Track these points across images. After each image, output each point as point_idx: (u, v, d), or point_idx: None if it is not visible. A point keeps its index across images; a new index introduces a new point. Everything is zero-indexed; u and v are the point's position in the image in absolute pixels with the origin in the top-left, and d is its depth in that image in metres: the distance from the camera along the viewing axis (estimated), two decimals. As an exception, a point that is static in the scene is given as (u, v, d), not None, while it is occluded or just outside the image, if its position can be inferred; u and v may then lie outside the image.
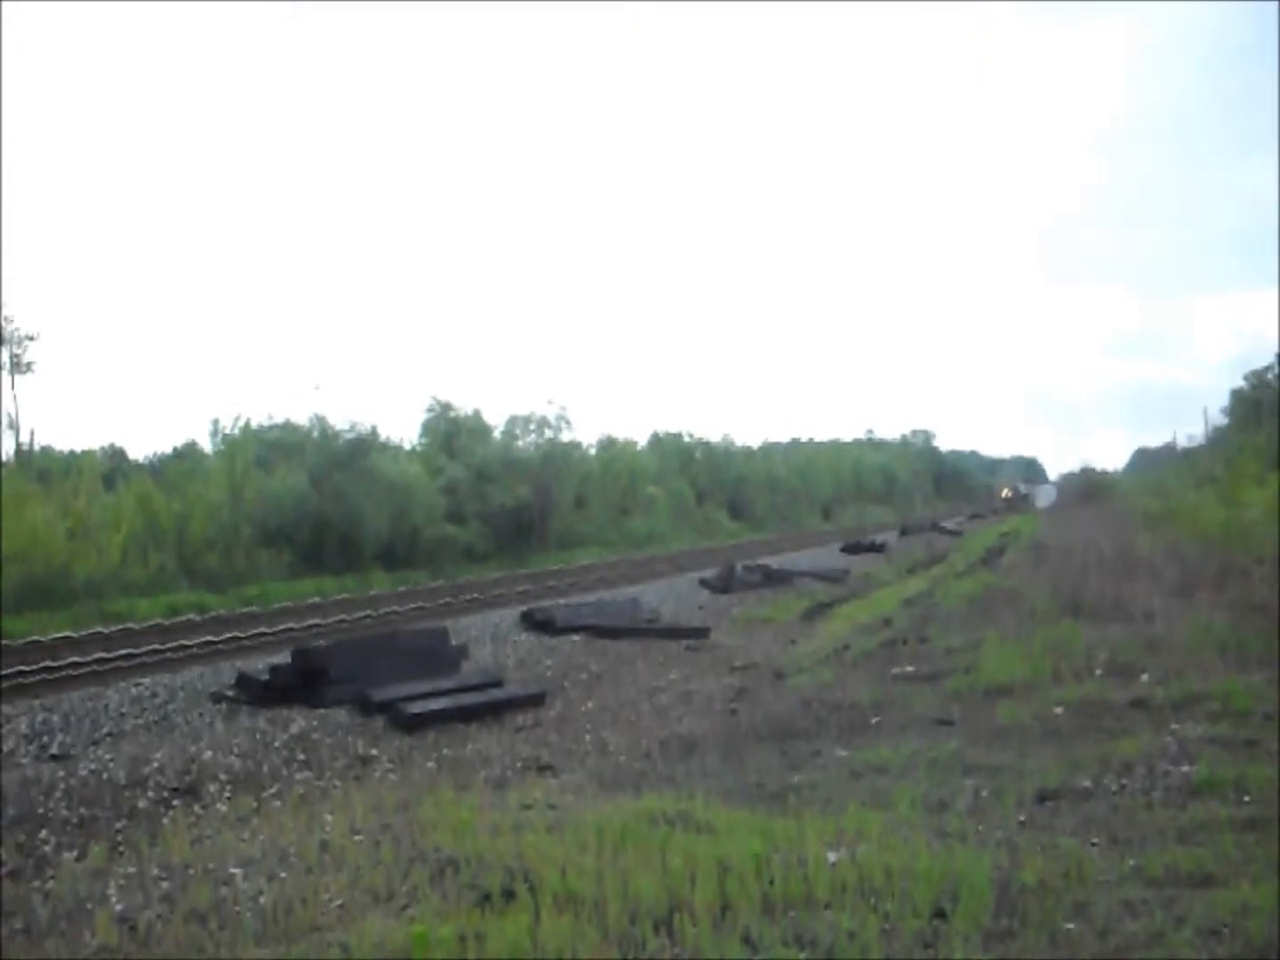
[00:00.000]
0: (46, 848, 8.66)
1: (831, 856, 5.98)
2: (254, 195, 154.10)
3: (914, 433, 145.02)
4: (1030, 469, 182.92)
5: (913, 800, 7.43)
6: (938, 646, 14.84)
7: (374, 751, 11.65)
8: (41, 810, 9.48)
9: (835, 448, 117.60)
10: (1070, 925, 4.96)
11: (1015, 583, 21.91)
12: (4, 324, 43.39)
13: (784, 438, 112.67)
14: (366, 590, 35.85)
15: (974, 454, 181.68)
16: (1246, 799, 7.00)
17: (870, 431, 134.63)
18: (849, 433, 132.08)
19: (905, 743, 9.43)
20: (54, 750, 12.05)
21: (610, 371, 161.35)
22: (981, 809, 7.26)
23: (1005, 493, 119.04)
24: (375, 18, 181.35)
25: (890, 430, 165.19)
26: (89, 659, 19.55)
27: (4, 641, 22.95)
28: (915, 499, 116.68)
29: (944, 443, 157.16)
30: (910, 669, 13.39)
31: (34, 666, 18.66)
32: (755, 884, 5.57)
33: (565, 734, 12.01)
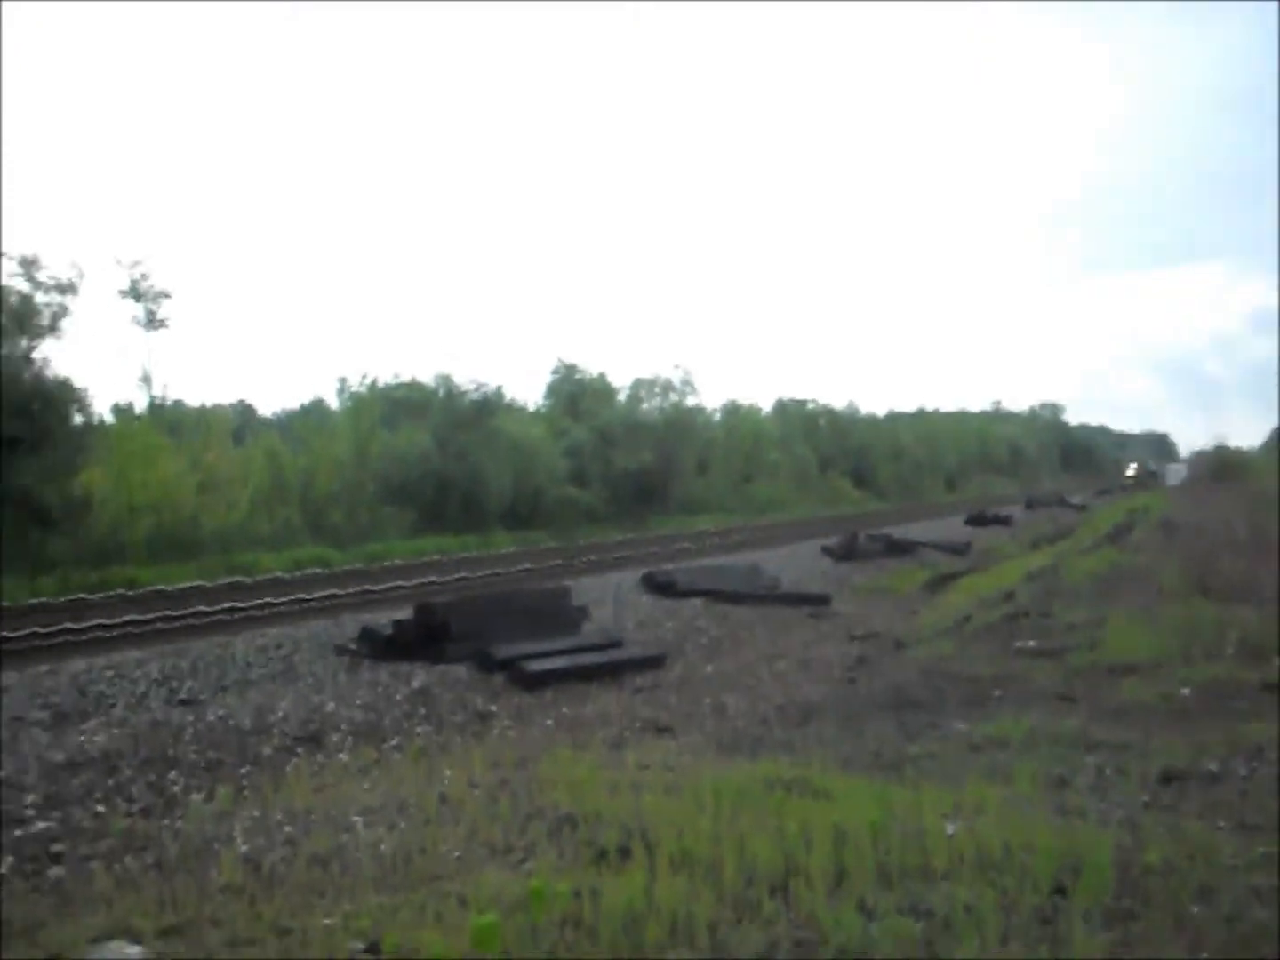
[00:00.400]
0: (176, 788, 8.87)
1: (949, 828, 5.93)
2: (385, 158, 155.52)
3: (1042, 405, 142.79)
4: (1161, 446, 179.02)
5: (1033, 776, 7.33)
6: (1061, 622, 14.61)
7: (493, 708, 11.76)
8: (171, 752, 9.70)
9: (961, 418, 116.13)
10: (1195, 909, 4.86)
11: (1143, 560, 21.49)
12: (139, 280, 44.15)
13: (910, 407, 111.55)
14: (488, 549, 36.16)
15: (1103, 429, 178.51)
16: (1382, 787, 6.80)
17: (997, 403, 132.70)
18: (976, 403, 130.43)
19: (1026, 717, 9.30)
20: (183, 695, 12.34)
21: (736, 336, 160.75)
22: (1103, 787, 7.13)
23: (1132, 469, 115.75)
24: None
25: (1018, 402, 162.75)
26: (216, 608, 19.97)
27: (135, 590, 23.57)
28: (1041, 473, 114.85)
29: (1073, 416, 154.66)
30: (1032, 643, 13.21)
31: (162, 614, 19.11)
32: (871, 852, 5.53)
33: (684, 696, 12.03)
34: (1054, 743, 8.41)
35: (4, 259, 30.06)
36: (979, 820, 6.09)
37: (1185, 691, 10.05)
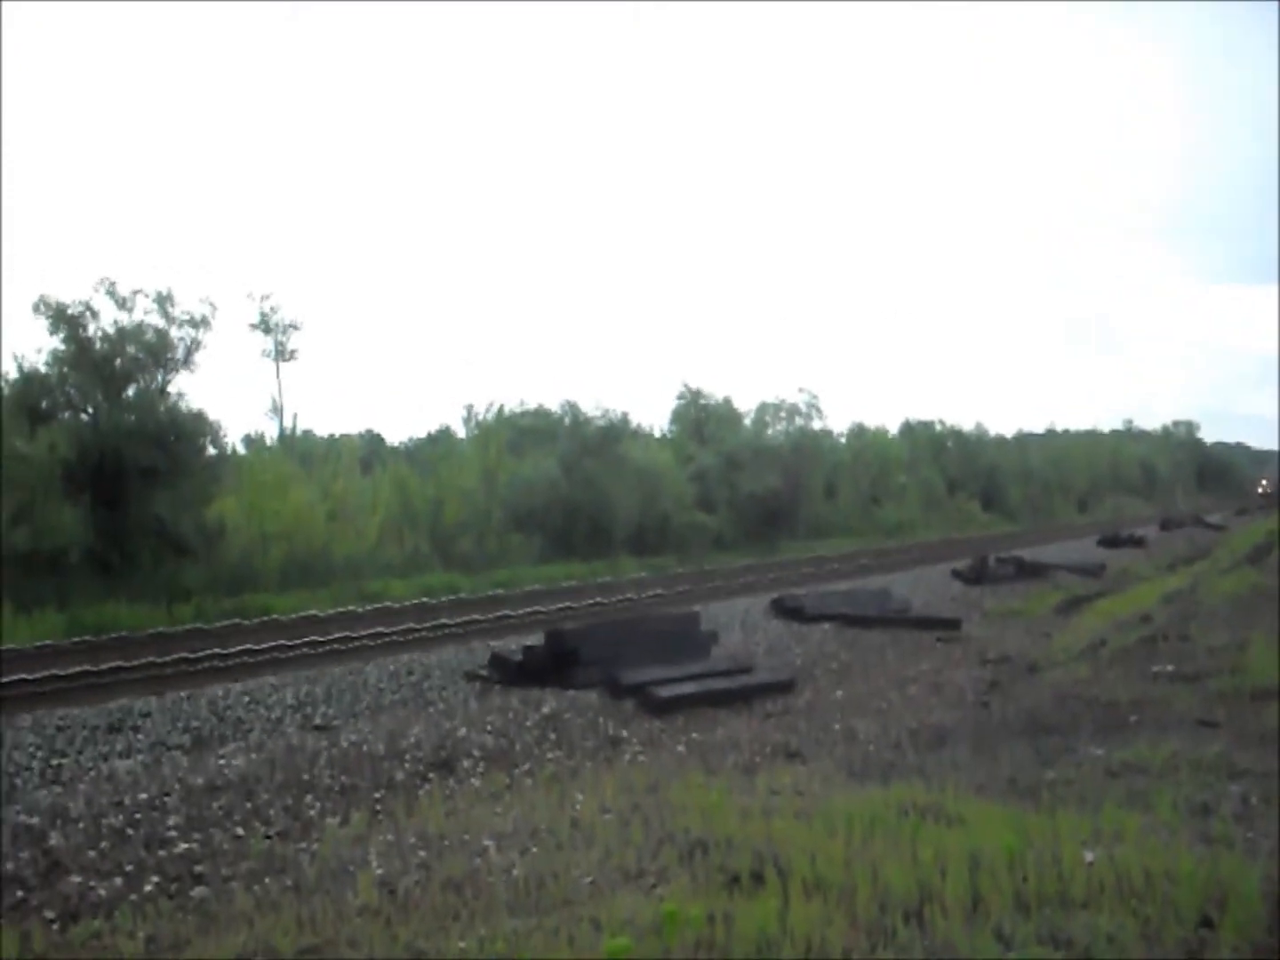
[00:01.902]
0: (312, 812, 9.01)
1: (1088, 856, 5.81)
2: (516, 190, 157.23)
3: (1176, 423, 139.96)
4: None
5: (1174, 803, 7.16)
6: (1200, 645, 14.28)
7: (624, 733, 11.79)
8: (306, 777, 9.86)
9: (1092, 438, 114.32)
10: (1348, 943, 4.71)
11: (1285, 581, 20.95)
12: (269, 313, 45.14)
13: (1039, 427, 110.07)
14: (616, 575, 36.27)
15: (1241, 446, 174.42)
16: None
17: (1129, 422, 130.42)
18: (1107, 423, 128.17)
19: (1165, 743, 9.10)
20: (318, 721, 12.53)
21: (862, 358, 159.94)
22: (1250, 816, 6.94)
23: (1264, 485, 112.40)
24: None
25: (1151, 420, 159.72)
26: (349, 635, 20.26)
27: (274, 616, 24.01)
28: (1176, 492, 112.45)
29: (1208, 434, 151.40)
30: (1170, 667, 12.92)
31: (299, 641, 19.43)
32: (1008, 879, 5.45)
33: (814, 721, 11.96)
34: (1195, 769, 8.22)
35: (139, 296, 30.87)
36: (1118, 848, 5.96)
37: (1332, 716, 9.76)
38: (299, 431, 47.60)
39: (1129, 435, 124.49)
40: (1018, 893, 5.33)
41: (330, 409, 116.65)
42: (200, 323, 31.69)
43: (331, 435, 51.96)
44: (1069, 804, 7.29)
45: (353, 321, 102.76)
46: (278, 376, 46.20)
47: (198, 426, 31.66)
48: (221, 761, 10.37)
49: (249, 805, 9.07)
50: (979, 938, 4.78)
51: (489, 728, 11.75)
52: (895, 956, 4.67)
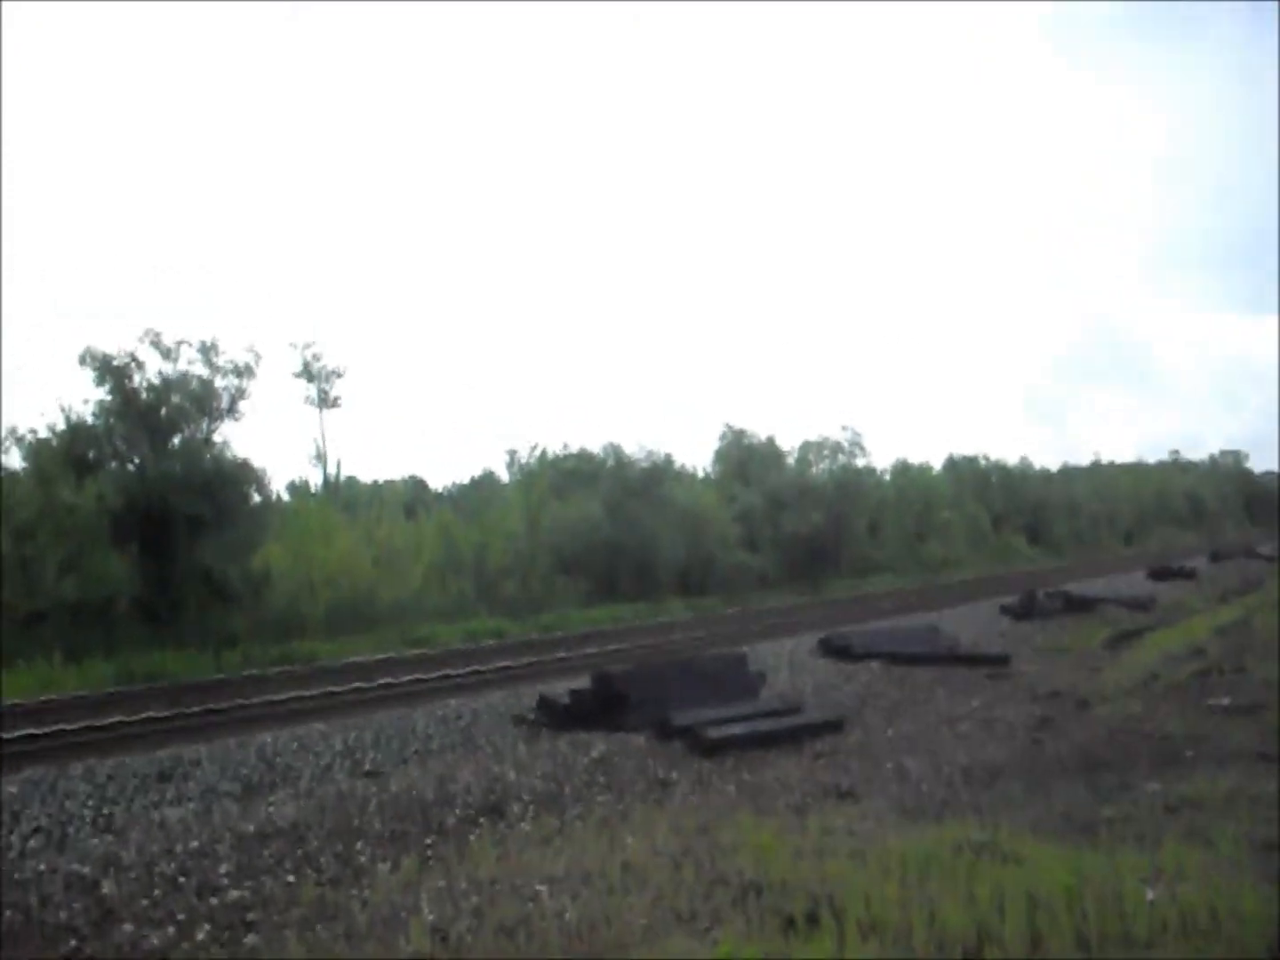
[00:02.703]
0: (362, 858, 8.98)
1: (1149, 894, 5.73)
2: (551, 231, 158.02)
3: (1223, 453, 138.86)
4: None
5: (1235, 839, 7.06)
6: (1255, 678, 14.13)
7: (673, 775, 11.72)
8: (357, 823, 9.84)
9: (1138, 470, 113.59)
10: None
11: (1340, 612, 20.71)
12: (312, 361, 45.46)
13: (1084, 460, 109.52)
14: (662, 617, 36.21)
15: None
16: None
17: (1176, 453, 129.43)
18: (1153, 454, 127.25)
19: (1223, 778, 9.00)
20: (367, 767, 12.52)
21: (905, 395, 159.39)
22: (1313, 851, 6.84)
23: None
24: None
25: (1198, 451, 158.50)
26: (395, 681, 20.28)
27: (320, 662, 24.08)
28: (1225, 523, 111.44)
29: (1258, 463, 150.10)
30: (1226, 701, 12.78)
31: (346, 687, 19.46)
32: (1067, 918, 5.38)
33: (865, 761, 11.86)
34: (1255, 804, 8.11)
35: (184, 346, 31.24)
36: (1180, 886, 5.88)
37: (1395, 749, 9.63)
38: (343, 478, 47.89)
39: (1175, 466, 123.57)
40: (1078, 932, 5.27)
41: (373, 455, 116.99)
42: (244, 371, 31.98)
43: (375, 481, 52.37)
44: (1127, 841, 7.21)
45: (395, 367, 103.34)
46: (321, 424, 46.43)
47: (243, 475, 31.92)
48: (271, 809, 10.37)
49: (300, 852, 9.06)
50: (1041, 978, 4.71)
51: (538, 772, 11.71)
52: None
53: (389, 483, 53.36)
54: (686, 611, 38.43)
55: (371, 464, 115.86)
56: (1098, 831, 7.57)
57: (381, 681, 20.15)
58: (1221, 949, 4.96)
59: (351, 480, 50.10)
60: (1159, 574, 41.35)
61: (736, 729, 13.12)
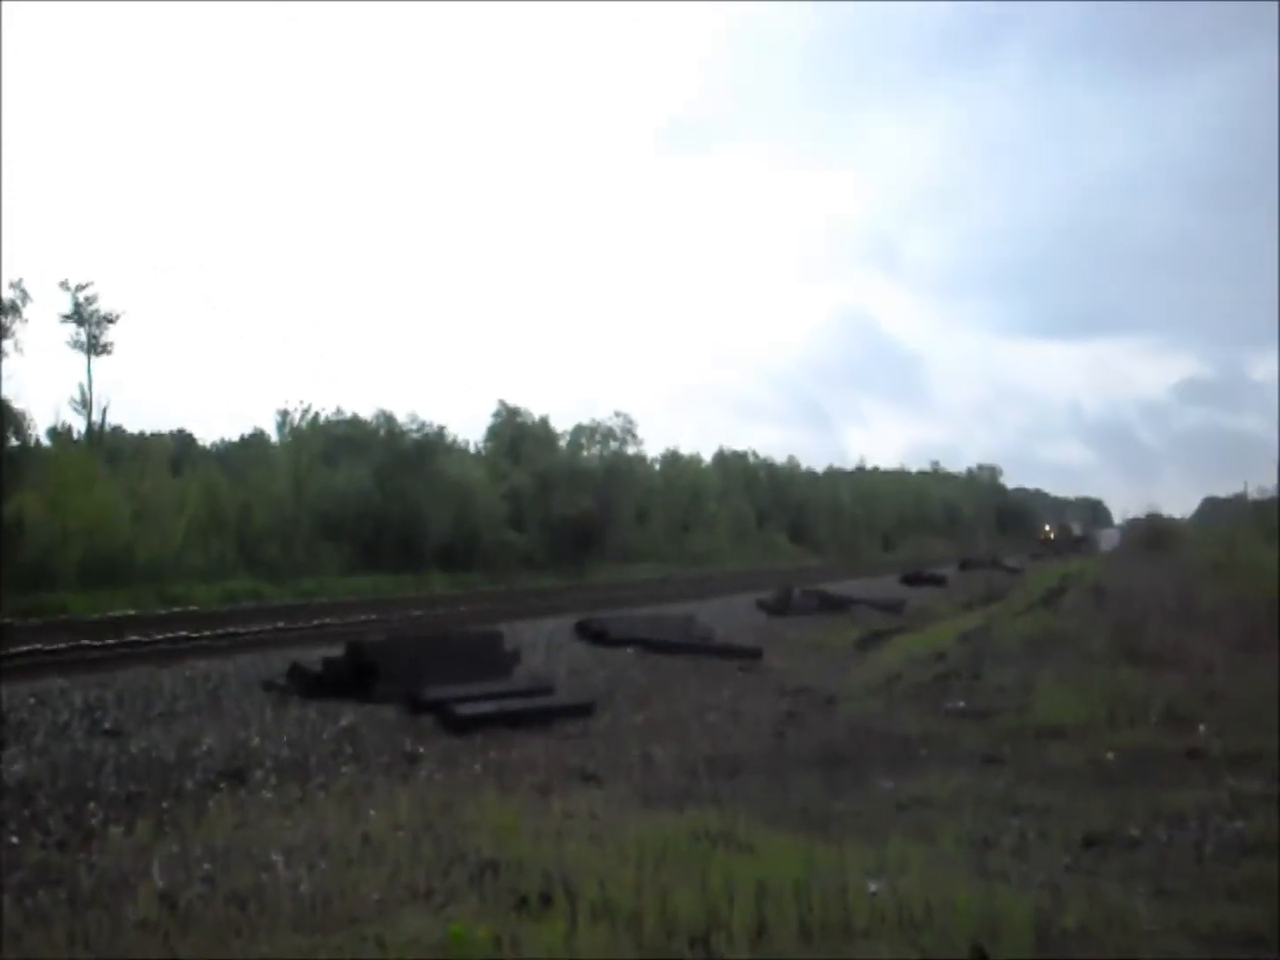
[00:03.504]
0: (94, 821, 8.72)
1: (872, 886, 5.94)
2: (337, 187, 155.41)
3: (980, 467, 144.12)
4: (1096, 511, 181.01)
5: (957, 836, 7.36)
6: (991, 684, 14.70)
7: (421, 750, 11.67)
8: (91, 784, 9.56)
9: (900, 477, 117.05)
10: (1111, 973, 4.89)
11: (1074, 625, 21.63)
12: (84, 304, 43.92)
13: (849, 464, 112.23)
14: (423, 590, 36.01)
15: (1040, 493, 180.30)
16: (1301, 860, 6.86)
17: (936, 463, 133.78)
18: (915, 463, 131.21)
19: (953, 778, 9.35)
20: (107, 726, 12.16)
21: (680, 385, 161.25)
22: (1027, 850, 7.18)
23: (1047, 531, 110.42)
24: None
25: (957, 463, 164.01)
26: (146, 639, 19.77)
27: (66, 617, 23.29)
28: (978, 534, 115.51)
29: (1010, 480, 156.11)
30: (962, 704, 13.28)
31: (94, 642, 18.90)
32: (794, 908, 5.54)
33: (612, 745, 11.98)
34: (979, 804, 8.45)
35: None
36: (902, 879, 6.10)
37: (1110, 756, 10.13)
38: (108, 427, 46.30)
39: (935, 477, 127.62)
40: (803, 921, 5.42)
41: (142, 406, 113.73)
42: (9, 309, 30.73)
43: (142, 433, 50.72)
44: (857, 835, 7.43)
45: (170, 318, 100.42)
46: (89, 369, 44.82)
47: (1, 416, 30.66)
48: (0, 765, 10.00)
49: (26, 812, 8.74)
50: (762, 965, 4.84)
51: (284, 739, 11.54)
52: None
53: (156, 435, 51.83)
54: (448, 586, 38.31)
55: (139, 415, 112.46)
56: (830, 825, 7.78)
57: (130, 639, 19.63)
58: (932, 939, 5.17)
59: (117, 430, 48.50)
60: (911, 579, 42.67)
61: (487, 707, 13.11)
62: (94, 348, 44.33)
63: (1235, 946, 5.35)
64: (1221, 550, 46.91)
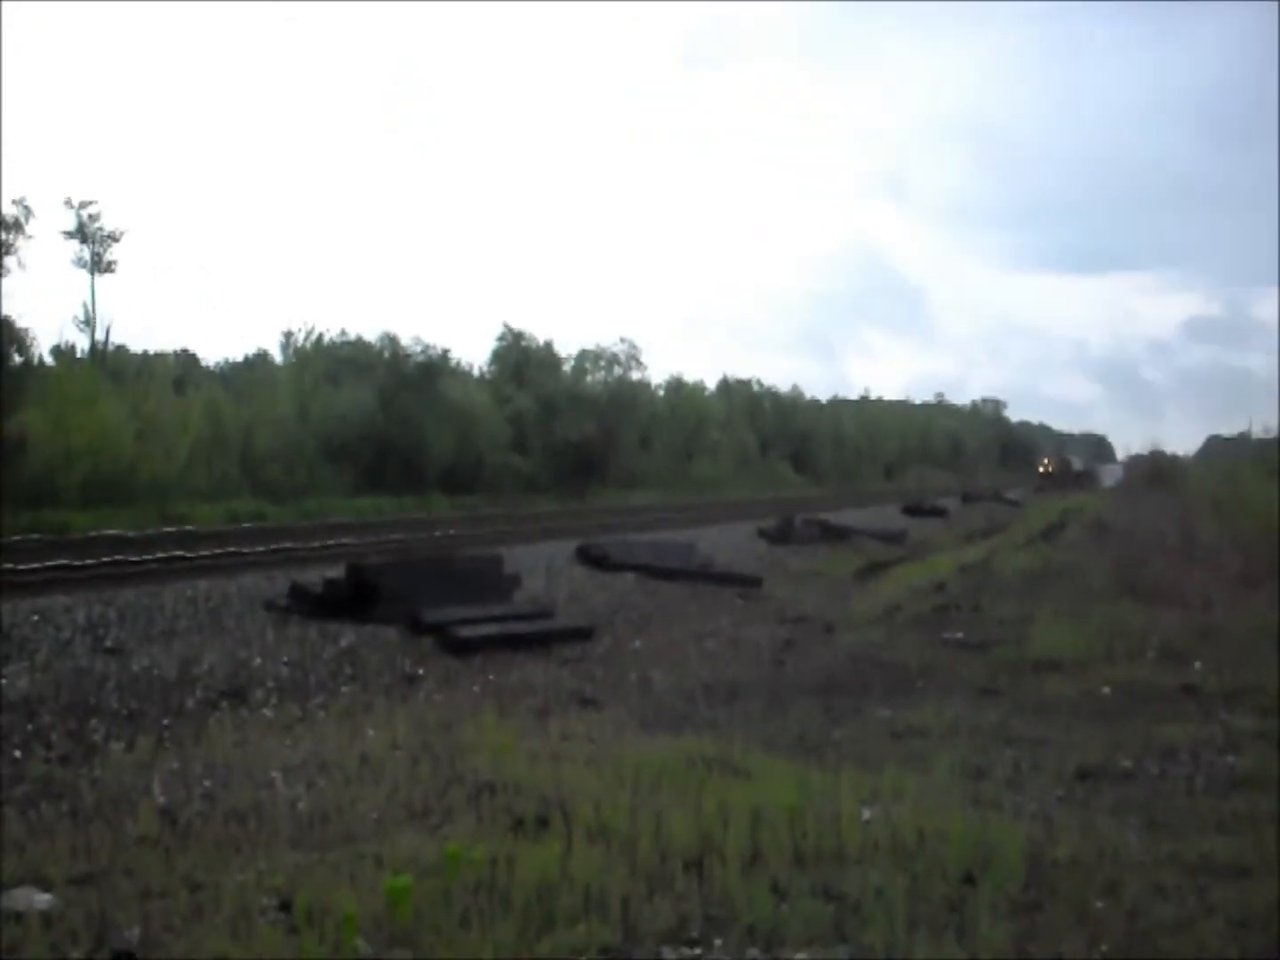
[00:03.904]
0: (96, 736, 8.78)
1: (866, 814, 5.99)
2: (344, 117, 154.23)
3: (985, 400, 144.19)
4: (1100, 447, 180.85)
5: (951, 766, 7.41)
6: (990, 616, 14.76)
7: (420, 671, 11.74)
8: (93, 701, 9.62)
9: (904, 409, 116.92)
10: (1100, 904, 4.94)
11: (1074, 559, 21.71)
12: (88, 222, 43.68)
13: (853, 394, 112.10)
14: (426, 512, 36.07)
15: (1044, 427, 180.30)
16: (1290, 795, 6.93)
17: (941, 395, 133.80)
18: (920, 395, 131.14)
19: (949, 708, 9.41)
20: (109, 644, 12.21)
21: (685, 312, 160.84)
22: (1020, 780, 7.23)
23: (1045, 464, 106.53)
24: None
25: (961, 396, 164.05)
26: (148, 558, 19.82)
27: (68, 534, 23.34)
28: (980, 467, 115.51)
29: (1014, 413, 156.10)
30: (960, 635, 13.33)
31: (96, 561, 18.95)
32: (788, 834, 5.59)
33: (611, 670, 12.05)
34: (974, 734, 8.51)
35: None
36: (895, 807, 6.16)
37: (1106, 690, 10.18)
38: (111, 346, 46.17)
39: (940, 409, 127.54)
40: (796, 847, 5.48)
41: (146, 325, 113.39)
42: (12, 226, 30.56)
43: (145, 352, 50.54)
44: (853, 763, 7.49)
45: (175, 237, 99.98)
46: (92, 288, 44.64)
47: (4, 334, 30.57)
48: (3, 681, 10.05)
49: (30, 727, 8.80)
50: (755, 890, 4.90)
51: (285, 659, 11.59)
52: (671, 906, 4.76)
53: (159, 355, 51.62)
54: (451, 509, 38.38)
55: (143, 334, 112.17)
56: (826, 753, 7.85)
57: (133, 558, 19.67)
58: (923, 866, 5.23)
59: (121, 349, 48.33)
60: (913, 510, 42.69)
61: (487, 629, 13.16)
62: (98, 266, 44.17)
63: (1221, 878, 5.41)
64: (1223, 487, 47.02)
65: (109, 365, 43.12)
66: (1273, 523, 25.95)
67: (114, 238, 44.40)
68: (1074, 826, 6.08)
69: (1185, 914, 4.86)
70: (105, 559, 19.30)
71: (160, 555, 20.19)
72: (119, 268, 44.63)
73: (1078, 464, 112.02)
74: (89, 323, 44.08)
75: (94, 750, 8.43)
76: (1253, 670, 10.68)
